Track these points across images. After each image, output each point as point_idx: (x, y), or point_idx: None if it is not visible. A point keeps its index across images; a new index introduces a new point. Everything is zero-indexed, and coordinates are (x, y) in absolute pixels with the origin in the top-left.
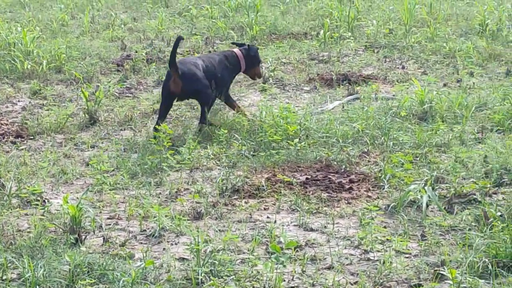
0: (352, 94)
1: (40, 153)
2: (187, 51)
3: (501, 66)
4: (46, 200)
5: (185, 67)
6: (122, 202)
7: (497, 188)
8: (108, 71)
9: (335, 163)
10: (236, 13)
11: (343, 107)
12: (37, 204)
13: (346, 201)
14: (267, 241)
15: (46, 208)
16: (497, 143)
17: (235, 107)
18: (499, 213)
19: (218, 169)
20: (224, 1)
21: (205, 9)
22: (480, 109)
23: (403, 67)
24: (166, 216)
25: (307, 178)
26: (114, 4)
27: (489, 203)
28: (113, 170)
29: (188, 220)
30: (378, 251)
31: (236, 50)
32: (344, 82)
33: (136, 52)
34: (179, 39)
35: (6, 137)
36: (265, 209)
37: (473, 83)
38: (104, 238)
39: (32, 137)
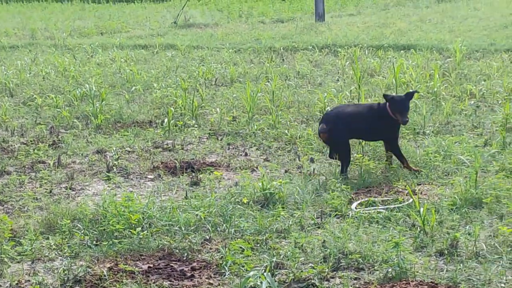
0: (196, 183)
1: None
2: (31, 141)
3: None
4: None
5: None
6: None
7: (334, 272)
8: None
9: (178, 251)
10: (81, 102)
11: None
12: None
13: None
14: None
15: None
16: (335, 228)
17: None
18: None
19: (60, 259)
20: (69, 90)
21: (50, 98)
22: (319, 195)
23: (246, 154)
24: None
25: (149, 267)
26: None
27: (326, 287)
28: None
29: None
30: None
31: None
32: (188, 170)
33: None
34: None
35: None
36: None
37: (314, 169)
38: None
39: None
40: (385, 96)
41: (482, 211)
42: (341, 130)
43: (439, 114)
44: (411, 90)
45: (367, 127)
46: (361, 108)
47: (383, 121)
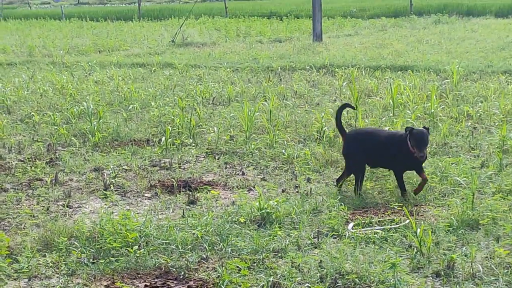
0: (193, 201)
1: None
2: (28, 158)
3: (337, 172)
4: None
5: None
6: None
7: None
8: None
9: (174, 269)
10: (78, 119)
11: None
12: None
13: None
14: None
15: None
16: (332, 248)
17: None
18: None
19: (57, 277)
20: (67, 108)
21: (47, 116)
22: (316, 215)
23: (243, 173)
24: None
25: (146, 285)
26: None
27: None
28: None
29: None
30: None
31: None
32: (185, 188)
33: None
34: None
35: None
36: None
37: (310, 188)
38: None
39: None
40: (406, 128)
41: (479, 232)
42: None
43: (436, 135)
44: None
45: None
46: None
47: (401, 151)
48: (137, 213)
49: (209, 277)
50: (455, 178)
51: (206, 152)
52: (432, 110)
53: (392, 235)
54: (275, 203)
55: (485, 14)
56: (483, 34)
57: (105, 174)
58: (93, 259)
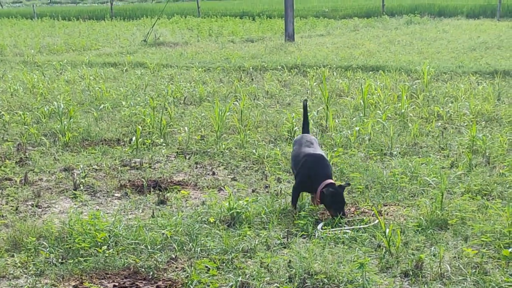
0: (163, 201)
1: None
2: None
3: None
4: None
5: None
6: None
7: None
8: None
9: (143, 269)
10: (49, 119)
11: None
12: None
13: None
14: None
15: None
16: (301, 248)
17: None
18: None
19: (25, 277)
20: (37, 107)
21: (17, 115)
22: (286, 214)
23: (213, 173)
24: None
25: (114, 285)
26: None
27: None
28: None
29: None
30: None
31: None
32: (155, 188)
33: None
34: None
35: None
36: None
37: (281, 188)
38: None
39: None
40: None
41: (447, 232)
42: None
43: (406, 135)
44: None
45: None
46: None
47: None
48: (107, 213)
49: (178, 277)
50: (424, 178)
51: (177, 152)
52: (403, 110)
53: (361, 235)
54: (245, 203)
55: (456, 15)
56: (454, 35)
57: (75, 174)
58: (62, 259)
